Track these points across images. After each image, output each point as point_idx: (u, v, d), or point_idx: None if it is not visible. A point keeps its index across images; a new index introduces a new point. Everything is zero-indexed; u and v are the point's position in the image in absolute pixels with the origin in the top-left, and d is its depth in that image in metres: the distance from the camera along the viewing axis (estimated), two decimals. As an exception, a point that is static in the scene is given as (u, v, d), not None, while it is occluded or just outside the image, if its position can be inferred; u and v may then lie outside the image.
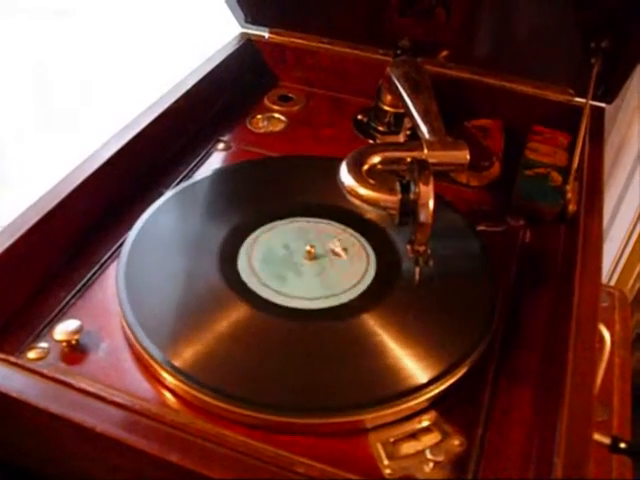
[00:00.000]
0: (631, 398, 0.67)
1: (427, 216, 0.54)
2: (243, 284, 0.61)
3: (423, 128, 0.67)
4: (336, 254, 0.65)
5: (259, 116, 0.91)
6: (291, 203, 0.72)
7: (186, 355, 0.54)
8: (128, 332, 0.56)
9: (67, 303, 0.60)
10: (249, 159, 0.81)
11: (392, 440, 0.51)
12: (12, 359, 0.49)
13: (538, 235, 0.73)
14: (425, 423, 0.52)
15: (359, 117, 0.91)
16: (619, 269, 1.19)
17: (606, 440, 0.53)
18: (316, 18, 0.94)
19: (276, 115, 0.91)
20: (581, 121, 0.75)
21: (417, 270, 0.59)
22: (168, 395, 0.53)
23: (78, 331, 0.56)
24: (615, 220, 1.18)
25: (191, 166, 0.80)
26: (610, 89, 0.83)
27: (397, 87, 0.76)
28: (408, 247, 0.58)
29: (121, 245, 0.65)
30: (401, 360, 0.55)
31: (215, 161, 0.82)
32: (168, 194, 0.71)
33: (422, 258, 0.58)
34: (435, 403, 0.53)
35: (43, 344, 0.56)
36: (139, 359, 0.56)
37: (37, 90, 1.45)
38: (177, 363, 0.53)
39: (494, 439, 0.52)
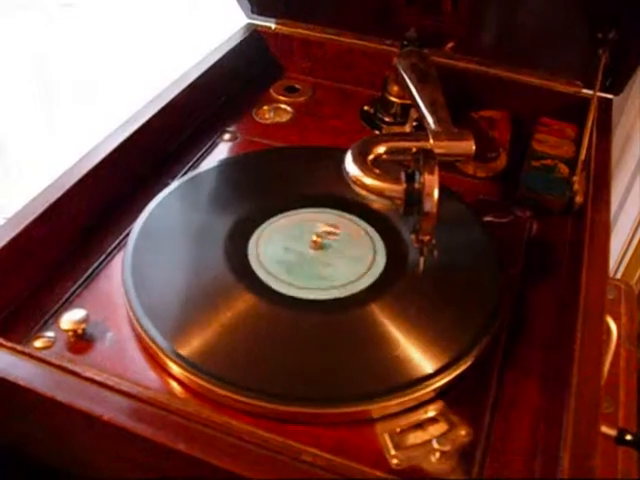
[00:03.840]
0: (637, 391, 0.67)
1: (432, 206, 0.54)
2: (249, 274, 0.61)
3: (429, 119, 0.67)
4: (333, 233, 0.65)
5: (265, 107, 0.90)
6: (297, 193, 0.72)
7: (192, 344, 0.54)
8: (134, 321, 0.56)
9: (73, 293, 0.60)
10: (255, 150, 0.81)
11: (399, 430, 0.51)
12: (19, 348, 0.49)
13: (545, 227, 0.72)
14: (432, 413, 0.52)
15: (365, 108, 0.91)
16: (625, 262, 1.19)
17: (612, 432, 0.53)
18: (323, 9, 0.93)
19: (282, 106, 0.91)
20: (588, 113, 0.74)
21: (422, 260, 0.58)
22: (174, 384, 0.53)
23: (84, 320, 0.56)
24: (622, 212, 1.17)
25: (197, 156, 0.80)
26: (618, 81, 0.82)
27: (404, 78, 0.76)
28: (413, 237, 0.58)
29: (127, 235, 0.65)
30: (408, 350, 0.55)
31: (221, 152, 0.82)
32: (174, 184, 0.71)
33: (427, 248, 0.58)
34: (442, 393, 0.53)
35: (49, 333, 0.56)
36: (145, 348, 0.56)
37: (40, 83, 1.44)
38: (183, 352, 0.53)
39: (501, 429, 0.52)
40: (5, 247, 0.56)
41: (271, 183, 0.74)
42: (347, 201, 0.69)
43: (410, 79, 0.74)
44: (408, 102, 0.79)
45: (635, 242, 1.15)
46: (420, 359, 0.54)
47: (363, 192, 0.59)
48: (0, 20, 1.35)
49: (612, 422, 0.62)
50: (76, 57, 1.39)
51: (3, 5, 1.35)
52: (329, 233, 0.66)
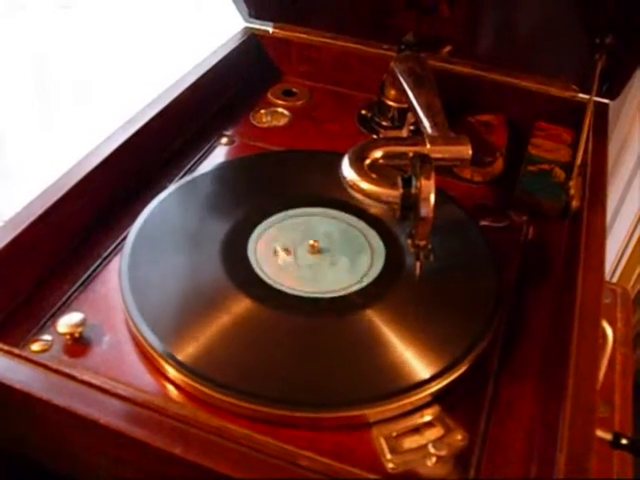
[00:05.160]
0: (633, 395, 0.67)
1: (428, 210, 0.54)
2: (246, 278, 0.61)
3: (426, 123, 0.67)
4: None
5: (263, 111, 0.91)
6: (294, 197, 0.72)
7: (189, 348, 0.54)
8: (131, 325, 0.56)
9: (70, 296, 0.60)
10: (252, 153, 0.81)
11: (395, 434, 0.51)
12: (16, 351, 0.49)
13: (541, 231, 0.73)
14: (428, 418, 0.52)
15: (363, 112, 0.91)
16: (621, 267, 1.19)
17: (608, 436, 0.53)
18: (320, 13, 0.93)
19: (279, 110, 0.91)
20: (585, 117, 0.74)
21: (418, 265, 0.59)
22: (171, 388, 0.53)
23: (81, 324, 0.56)
24: (617, 217, 1.18)
25: (194, 160, 0.80)
26: (614, 85, 0.82)
27: (401, 82, 0.76)
28: (409, 241, 0.58)
29: (124, 238, 0.65)
30: (404, 355, 0.55)
31: (218, 155, 0.82)
32: (171, 188, 0.71)
33: (423, 253, 0.58)
34: (438, 398, 0.53)
35: (46, 337, 0.56)
36: (142, 352, 0.56)
37: (39, 84, 1.44)
38: (180, 356, 0.53)
39: (497, 433, 0.52)
40: (3, 250, 0.56)
41: (268, 187, 0.74)
42: (344, 205, 0.70)
43: (407, 83, 0.75)
44: (405, 106, 0.79)
45: (631, 246, 1.15)
46: (416, 364, 0.54)
47: (360, 196, 0.59)
48: (0, 20, 1.35)
49: (608, 426, 0.62)
50: (76, 57, 1.39)
51: (3, 5, 1.35)
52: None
